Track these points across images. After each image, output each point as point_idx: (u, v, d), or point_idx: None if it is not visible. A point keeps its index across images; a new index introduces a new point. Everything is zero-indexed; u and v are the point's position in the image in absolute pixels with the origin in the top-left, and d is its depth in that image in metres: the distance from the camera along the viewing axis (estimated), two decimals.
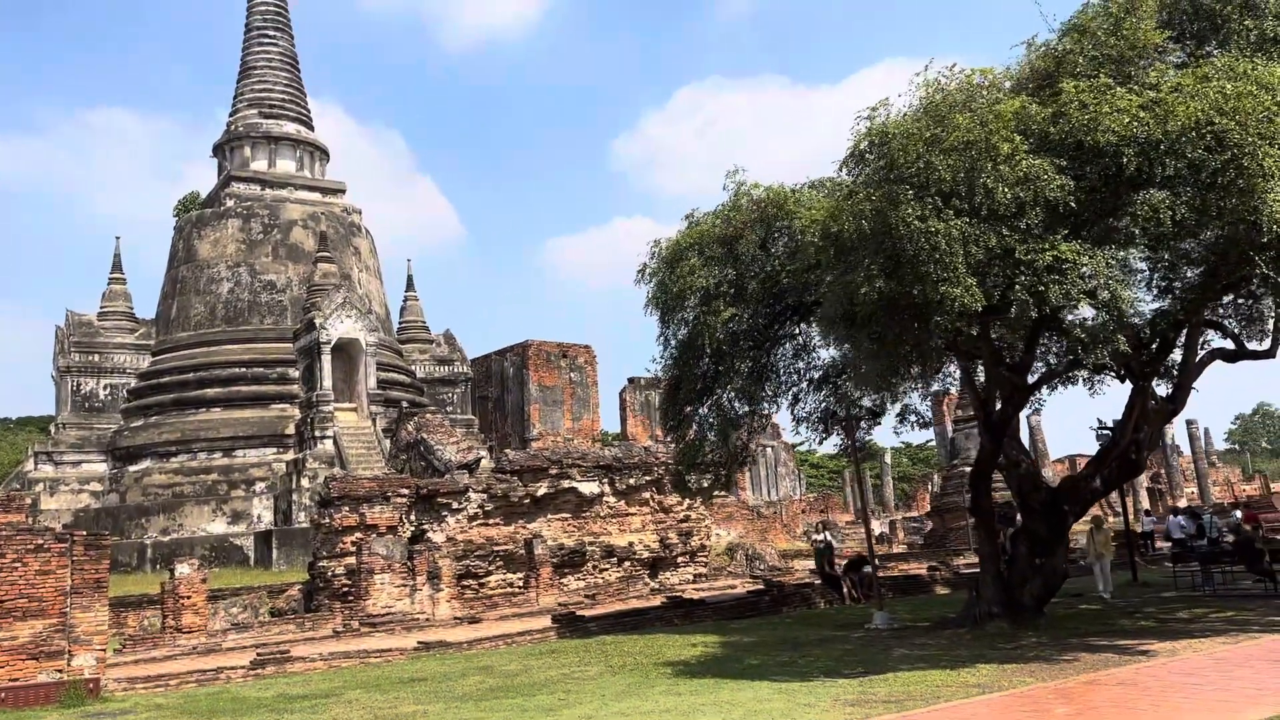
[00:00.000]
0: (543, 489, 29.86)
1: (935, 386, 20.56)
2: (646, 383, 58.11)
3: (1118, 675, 10.99)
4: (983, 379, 16.52)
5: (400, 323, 55.79)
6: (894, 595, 25.33)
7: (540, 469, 30.02)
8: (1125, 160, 10.84)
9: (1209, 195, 10.57)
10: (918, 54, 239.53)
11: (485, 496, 28.52)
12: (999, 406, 16.39)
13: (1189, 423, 65.91)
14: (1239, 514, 24.49)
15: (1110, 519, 54.67)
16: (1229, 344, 17.69)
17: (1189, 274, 13.29)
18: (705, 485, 21.55)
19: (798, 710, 10.34)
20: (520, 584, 27.59)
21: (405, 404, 38.50)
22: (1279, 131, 10.52)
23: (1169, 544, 34.80)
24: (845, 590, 24.28)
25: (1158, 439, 16.90)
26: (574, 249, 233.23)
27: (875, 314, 11.50)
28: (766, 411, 21.64)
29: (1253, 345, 17.39)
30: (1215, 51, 11.97)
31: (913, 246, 10.78)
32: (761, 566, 37.60)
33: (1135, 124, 10.80)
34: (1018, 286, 10.97)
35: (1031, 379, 17.94)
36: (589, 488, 30.86)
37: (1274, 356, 17.81)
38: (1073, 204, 10.83)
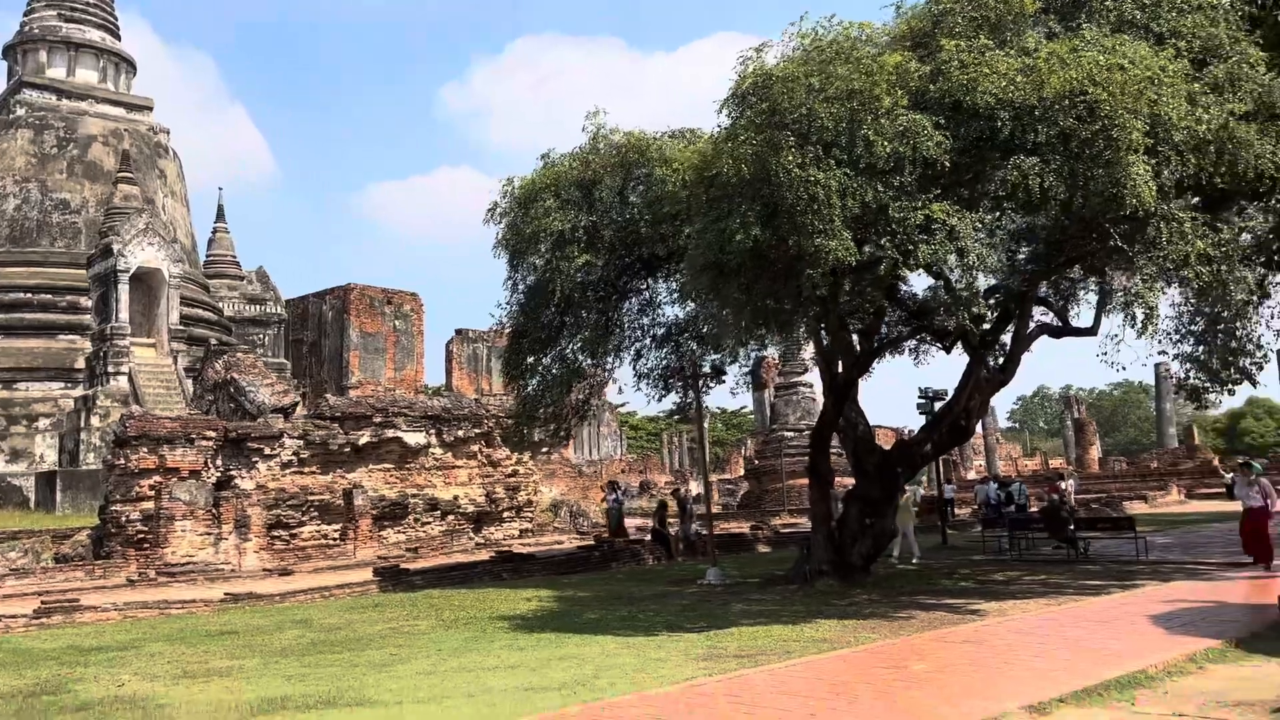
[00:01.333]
0: (365, 438, 28.47)
1: (771, 349, 20.65)
2: (475, 335, 56.80)
3: (960, 633, 11.19)
4: (827, 341, 16.57)
5: (207, 256, 52.13)
6: (719, 553, 25.60)
7: (364, 416, 28.60)
8: (1000, 124, 10.89)
9: (1077, 164, 10.75)
10: (751, 30, 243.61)
11: (302, 443, 26.91)
12: (842, 369, 16.51)
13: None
14: (1024, 485, 26.14)
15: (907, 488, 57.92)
16: (1054, 320, 18.53)
17: (1039, 247, 13.63)
18: (547, 438, 20.91)
19: (649, 665, 9.96)
20: (336, 536, 26.24)
21: (214, 341, 35.88)
22: (1144, 107, 10.80)
23: (966, 511, 37.00)
24: (672, 547, 24.29)
25: (985, 408, 17.50)
26: (396, 196, 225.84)
27: (746, 263, 11.15)
28: (610, 366, 21.21)
29: (1077, 323, 18.27)
30: (1084, 26, 12.19)
31: (792, 195, 10.48)
32: (585, 524, 37.46)
33: (1012, 88, 10.84)
34: (886, 244, 10.88)
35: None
36: (415, 438, 29.68)
37: (1095, 334, 18.71)
38: (947, 163, 10.79)
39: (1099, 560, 20.03)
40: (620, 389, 51.27)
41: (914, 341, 17.99)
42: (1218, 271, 12.38)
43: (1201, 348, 28.58)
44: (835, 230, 10.48)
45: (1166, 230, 11.43)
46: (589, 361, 20.25)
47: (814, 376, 46.34)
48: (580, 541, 28.62)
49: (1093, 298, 20.08)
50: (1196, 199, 12.35)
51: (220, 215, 53.77)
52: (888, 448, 18.81)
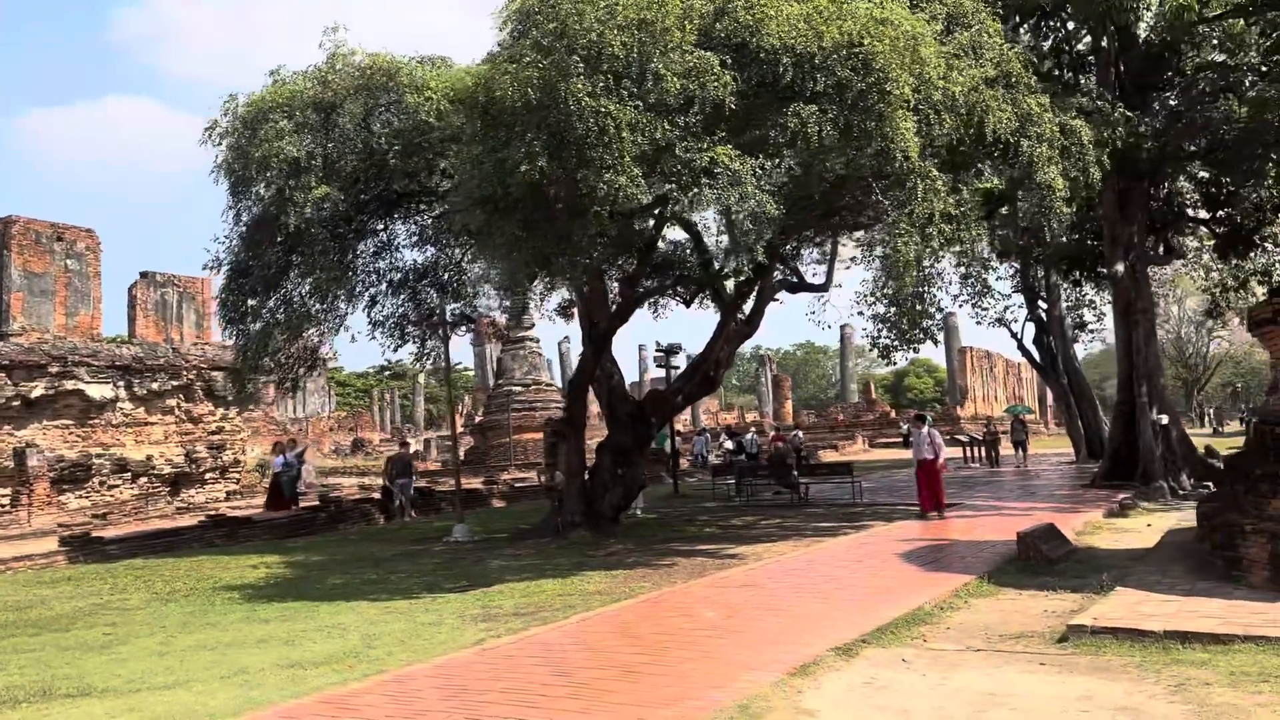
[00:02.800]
0: (39, 389, 24.87)
1: (539, 293, 19.91)
2: (164, 279, 51.33)
3: (732, 578, 11.20)
4: (587, 289, 16.15)
5: None
6: (452, 509, 24.75)
7: (37, 365, 24.97)
8: (782, 69, 10.80)
9: (852, 115, 10.90)
10: None
11: None
12: (602, 319, 16.17)
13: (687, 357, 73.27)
14: (756, 436, 27.47)
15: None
16: (790, 276, 19.22)
17: (803, 199, 13.84)
18: (273, 389, 19.01)
19: (423, 630, 9.13)
20: (6, 502, 22.69)
21: None
22: (912, 65, 11.12)
23: (685, 462, 38.41)
24: (397, 504, 23.12)
25: (732, 360, 17.85)
26: (58, 124, 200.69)
27: (528, 198, 10.38)
28: (343, 312, 19.57)
29: (812, 280, 19.04)
30: None
31: (582, 125, 9.81)
32: (299, 484, 35.07)
33: (795, 33, 10.78)
34: (672, 185, 10.53)
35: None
36: (100, 391, 26.34)
37: (827, 290, 19.58)
38: (733, 105, 10.57)
39: (819, 504, 21.22)
40: (353, 337, 48.32)
41: (664, 295, 17.96)
42: (957, 229, 13.13)
43: (894, 309, 31.07)
44: (625, 166, 9.95)
45: (922, 187, 11.92)
46: (318, 306, 18.59)
47: (542, 331, 46.16)
48: (301, 504, 26.62)
49: (815, 256, 21.08)
50: (937, 160, 12.96)
51: None
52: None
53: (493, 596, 10.91)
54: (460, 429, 72.04)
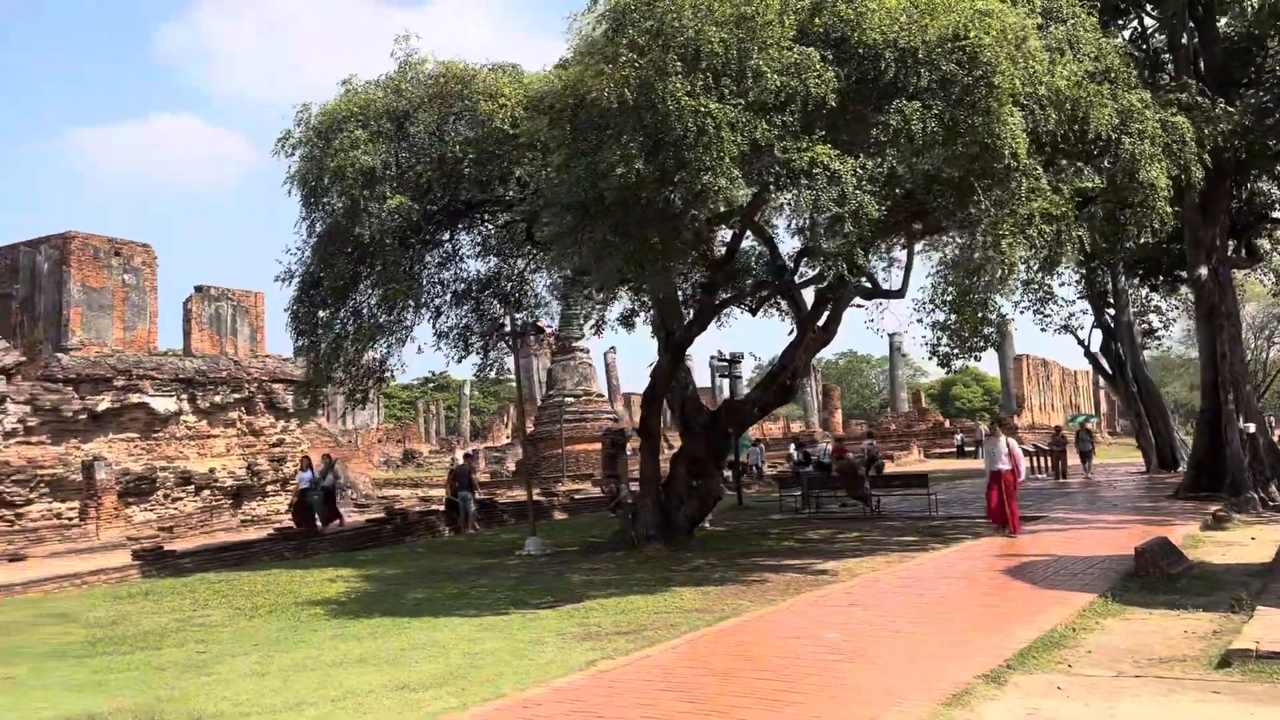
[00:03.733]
0: (105, 403, 25.00)
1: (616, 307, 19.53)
2: (218, 293, 51.86)
3: (834, 596, 10.77)
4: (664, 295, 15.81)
5: None
6: (515, 521, 24.50)
7: (104, 379, 25.10)
8: (884, 65, 10.42)
9: (958, 111, 10.48)
10: None
11: (29, 409, 23.20)
12: (677, 327, 15.81)
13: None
14: (828, 446, 26.90)
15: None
16: (864, 281, 18.71)
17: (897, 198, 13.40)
18: (351, 399, 18.89)
19: (526, 649, 8.81)
20: (73, 515, 22.80)
21: None
22: (1019, 57, 10.70)
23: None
24: (461, 516, 22.87)
25: (808, 368, 17.38)
26: (105, 143, 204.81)
27: (620, 202, 10.06)
28: (409, 323, 19.41)
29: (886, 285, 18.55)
30: None
31: (680, 126, 9.49)
32: (354, 495, 35.11)
33: (896, 27, 10.40)
34: (771, 187, 10.17)
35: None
36: (164, 404, 26.44)
37: (903, 295, 19.09)
38: (833, 102, 10.19)
39: (893, 517, 20.67)
40: (419, 349, 48.11)
41: (739, 304, 17.54)
42: (1057, 232, 12.63)
43: (954, 316, 30.37)
44: (725, 168, 9.61)
45: (1026, 185, 11.45)
46: (386, 317, 18.44)
47: (591, 343, 45.89)
48: (360, 515, 26.55)
49: (879, 262, 20.53)
50: (1041, 158, 12.47)
51: None
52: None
53: (587, 613, 10.56)
54: (505, 440, 72.10)
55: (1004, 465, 15.96)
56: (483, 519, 23.37)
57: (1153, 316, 35.27)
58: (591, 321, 19.67)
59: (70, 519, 22.70)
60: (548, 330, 19.32)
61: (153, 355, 28.55)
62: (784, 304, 21.20)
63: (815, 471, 23.31)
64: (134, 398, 25.53)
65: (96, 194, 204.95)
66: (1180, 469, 31.86)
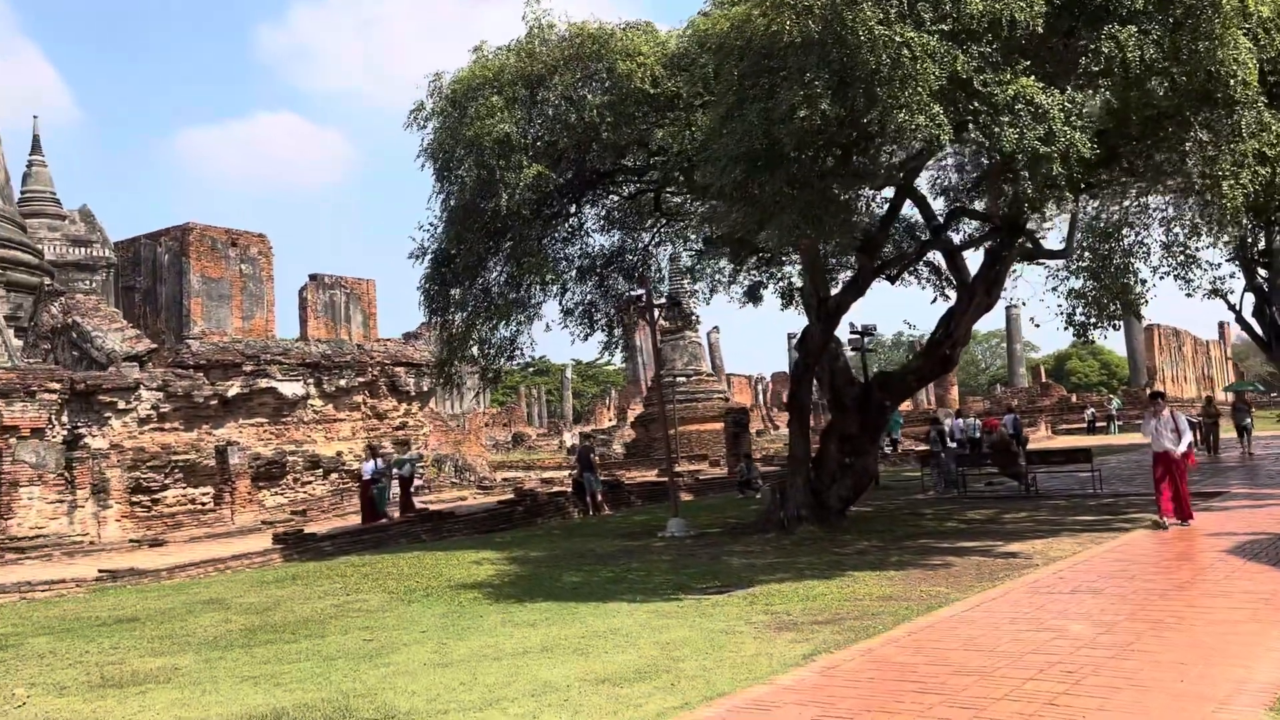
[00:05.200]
0: (235, 388, 25.15)
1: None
2: (331, 281, 52.64)
3: (1045, 582, 9.74)
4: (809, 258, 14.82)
5: (22, 193, 45.81)
6: (644, 502, 23.89)
7: (233, 364, 25.24)
8: None
9: (1179, 35, 9.28)
10: None
11: (161, 395, 23.41)
12: (836, 290, 14.82)
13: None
14: (976, 421, 25.50)
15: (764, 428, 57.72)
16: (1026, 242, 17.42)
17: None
18: (487, 379, 18.47)
19: (721, 639, 8.04)
20: (207, 500, 22.98)
21: (47, 283, 31.27)
22: None
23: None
24: (590, 500, 22.29)
25: (968, 337, 16.21)
26: (214, 142, 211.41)
27: (804, 148, 9.16)
28: (538, 299, 18.84)
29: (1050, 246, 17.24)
30: None
31: (873, 58, 8.55)
32: (472, 477, 35.05)
33: None
34: (971, 126, 9.15)
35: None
36: (291, 388, 26.52)
37: (1069, 256, 17.79)
38: (1039, 28, 9.10)
39: (1054, 495, 19.33)
40: (547, 326, 47.81)
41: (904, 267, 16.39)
42: (1272, 175, 11.25)
43: (1092, 283, 28.43)
44: (924, 103, 8.63)
45: (1248, 118, 10.14)
46: (514, 294, 17.89)
47: (704, 315, 45.04)
48: (486, 497, 26.32)
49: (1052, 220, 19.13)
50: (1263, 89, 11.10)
51: (36, 147, 47.18)
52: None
53: (769, 600, 9.74)
54: (609, 422, 71.78)
55: (1170, 444, 13.16)
56: (610, 500, 22.81)
57: None
58: (741, 289, 18.66)
59: (205, 504, 22.89)
60: (683, 304, 18.53)
61: (278, 341, 28.76)
62: (925, 271, 20.05)
63: (959, 449, 22.06)
64: (262, 383, 25.66)
65: (206, 191, 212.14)
66: None
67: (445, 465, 35.52)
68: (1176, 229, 34.28)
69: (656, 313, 16.82)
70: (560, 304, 20.42)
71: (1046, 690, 5.73)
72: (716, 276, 21.66)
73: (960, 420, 24.26)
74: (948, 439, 23.07)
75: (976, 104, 9.16)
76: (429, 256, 16.90)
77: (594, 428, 65.37)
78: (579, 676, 7.04)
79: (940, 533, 14.67)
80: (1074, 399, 54.54)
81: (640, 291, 17.48)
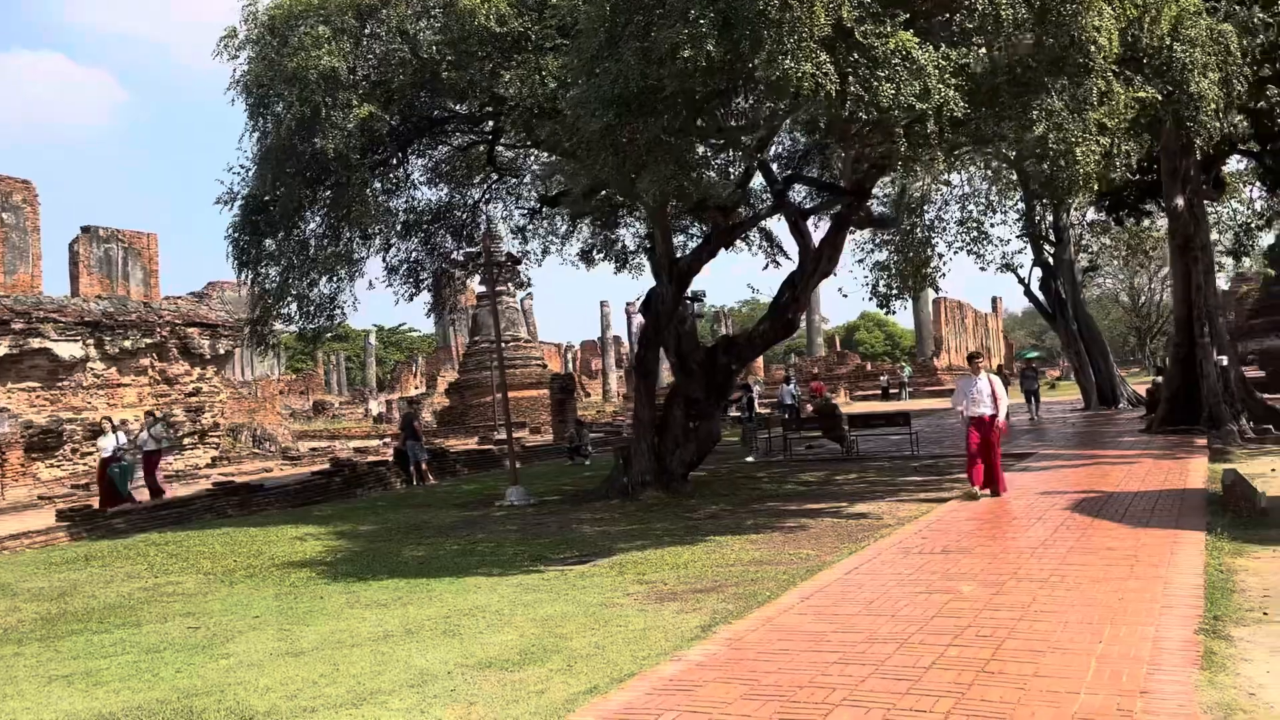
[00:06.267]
0: (3, 348, 22.34)
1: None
2: (107, 234, 48.00)
3: (912, 542, 9.72)
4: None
5: None
6: (470, 471, 23.01)
7: (1, 322, 22.39)
8: None
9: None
10: None
11: None
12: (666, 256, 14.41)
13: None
14: (792, 388, 25.91)
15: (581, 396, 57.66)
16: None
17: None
18: (305, 339, 17.02)
19: (603, 613, 7.50)
20: None
21: None
22: None
23: None
24: (414, 469, 21.22)
25: (808, 301, 16.24)
26: None
27: (690, 90, 8.60)
28: (360, 255, 17.53)
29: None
30: None
31: (762, 1, 8.09)
32: (273, 448, 32.93)
33: None
34: (851, 78, 8.87)
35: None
36: (69, 350, 23.91)
37: (897, 226, 18.16)
38: None
39: (876, 456, 19.91)
40: (370, 283, 45.10)
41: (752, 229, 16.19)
42: (1111, 144, 11.66)
43: (897, 256, 29.62)
44: (809, 50, 8.27)
45: (1100, 87, 10.42)
46: (332, 248, 16.56)
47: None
48: (295, 468, 24.62)
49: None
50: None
51: None
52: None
53: (638, 569, 9.28)
54: (415, 390, 69.63)
55: (986, 409, 12.32)
56: (434, 470, 21.79)
57: (1085, 255, 35.47)
58: (574, 251, 18.03)
59: None
60: (528, 261, 17.70)
61: (54, 297, 25.78)
62: (757, 238, 20.09)
63: (785, 413, 22.41)
64: (35, 343, 22.95)
65: None
66: (1120, 405, 32.20)
67: (242, 435, 33.22)
68: (971, 206, 36.31)
69: (497, 271, 15.87)
70: (384, 260, 19.25)
71: (973, 656, 5.52)
72: (549, 238, 20.99)
73: (792, 386, 24.67)
74: (784, 403, 23.46)
75: (857, 55, 8.90)
76: (239, 203, 15.33)
77: (400, 395, 63.17)
78: (458, 662, 6.33)
79: (783, 495, 14.69)
80: (869, 367, 57.24)
81: (477, 249, 16.48)
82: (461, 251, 16.75)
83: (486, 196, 20.38)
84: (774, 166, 17.54)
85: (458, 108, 16.51)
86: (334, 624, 7.80)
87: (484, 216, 20.79)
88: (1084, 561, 7.95)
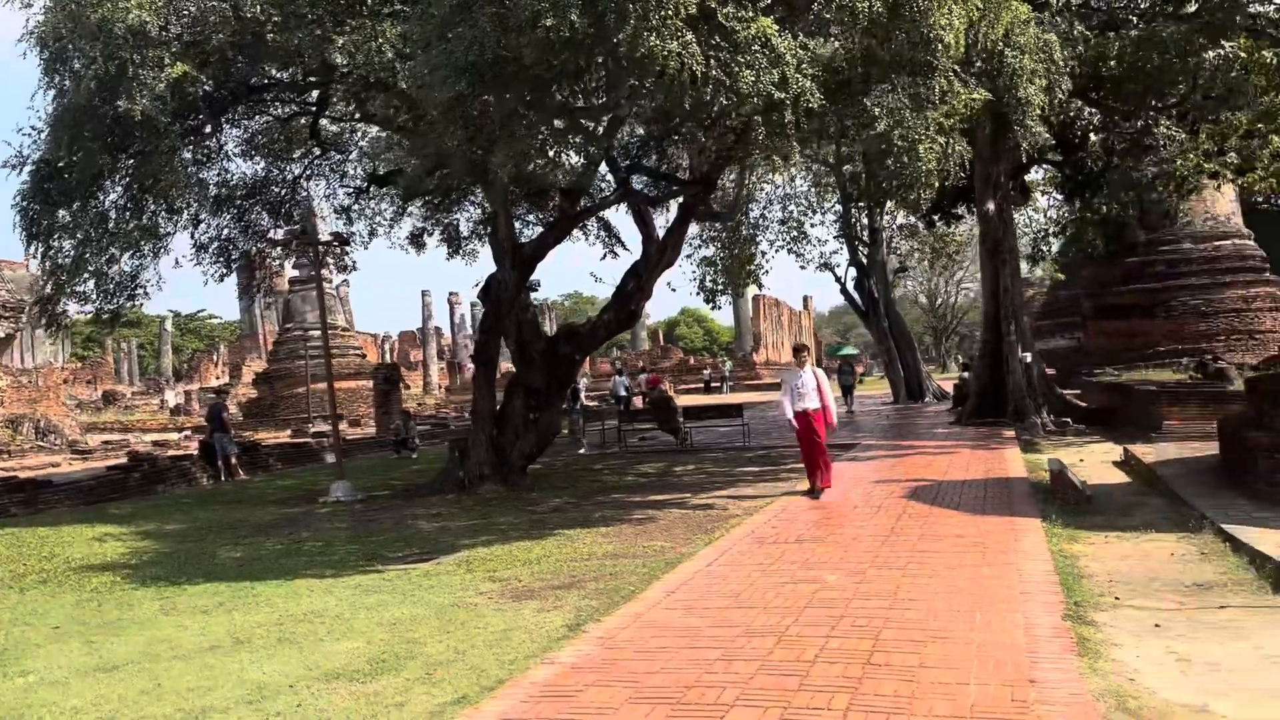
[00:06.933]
0: None
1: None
2: None
3: (766, 532, 9.63)
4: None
5: None
6: (285, 465, 21.72)
7: None
8: None
9: None
10: None
11: None
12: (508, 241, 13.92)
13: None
14: (642, 377, 25.76)
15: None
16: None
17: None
18: (101, 321, 15.46)
19: (461, 616, 7.00)
20: None
21: None
22: None
23: None
24: (223, 464, 19.80)
25: (650, 291, 16.01)
26: None
27: (544, 62, 8.16)
28: (166, 231, 16.09)
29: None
30: None
31: None
32: (60, 441, 30.17)
33: None
34: (714, 64, 8.68)
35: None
36: None
37: (734, 219, 18.31)
38: None
39: (709, 448, 20.03)
40: (177, 261, 41.51)
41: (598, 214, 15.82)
42: (945, 145, 12.03)
43: (724, 253, 30.13)
44: (675, 29, 8.02)
45: (941, 86, 10.69)
46: (134, 222, 15.14)
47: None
48: (86, 463, 22.50)
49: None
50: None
51: None
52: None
53: (487, 566, 8.80)
54: (216, 380, 65.70)
55: (813, 403, 11.89)
56: (245, 465, 20.41)
57: (894, 256, 37.19)
58: (403, 234, 17.21)
59: None
60: (354, 243, 16.67)
61: None
62: (595, 227, 19.81)
63: (614, 404, 22.29)
64: None
65: None
66: (926, 399, 33.90)
67: (24, 427, 30.27)
68: (792, 206, 37.31)
69: (323, 251, 14.88)
70: (193, 237, 17.82)
71: (854, 648, 5.39)
72: (376, 219, 20.00)
73: (625, 378, 24.57)
74: (617, 394, 23.32)
75: (719, 38, 8.73)
76: (29, 168, 13.75)
77: (201, 386, 59.42)
78: (300, 674, 5.71)
79: (625, 487, 14.48)
80: (691, 361, 58.26)
81: (298, 227, 15.43)
82: (282, 230, 15.60)
83: (308, 173, 19.19)
84: (615, 156, 17.35)
85: (281, 75, 15.46)
86: (149, 634, 6.97)
87: (305, 194, 19.61)
88: (937, 549, 8.07)
